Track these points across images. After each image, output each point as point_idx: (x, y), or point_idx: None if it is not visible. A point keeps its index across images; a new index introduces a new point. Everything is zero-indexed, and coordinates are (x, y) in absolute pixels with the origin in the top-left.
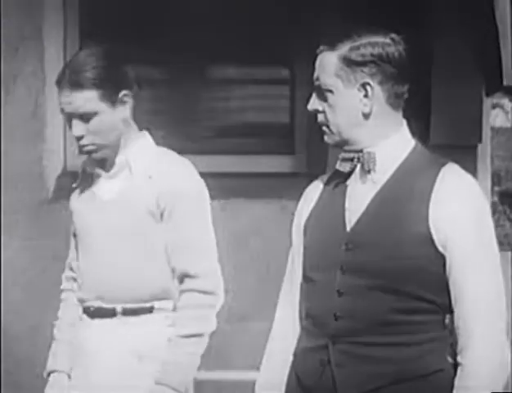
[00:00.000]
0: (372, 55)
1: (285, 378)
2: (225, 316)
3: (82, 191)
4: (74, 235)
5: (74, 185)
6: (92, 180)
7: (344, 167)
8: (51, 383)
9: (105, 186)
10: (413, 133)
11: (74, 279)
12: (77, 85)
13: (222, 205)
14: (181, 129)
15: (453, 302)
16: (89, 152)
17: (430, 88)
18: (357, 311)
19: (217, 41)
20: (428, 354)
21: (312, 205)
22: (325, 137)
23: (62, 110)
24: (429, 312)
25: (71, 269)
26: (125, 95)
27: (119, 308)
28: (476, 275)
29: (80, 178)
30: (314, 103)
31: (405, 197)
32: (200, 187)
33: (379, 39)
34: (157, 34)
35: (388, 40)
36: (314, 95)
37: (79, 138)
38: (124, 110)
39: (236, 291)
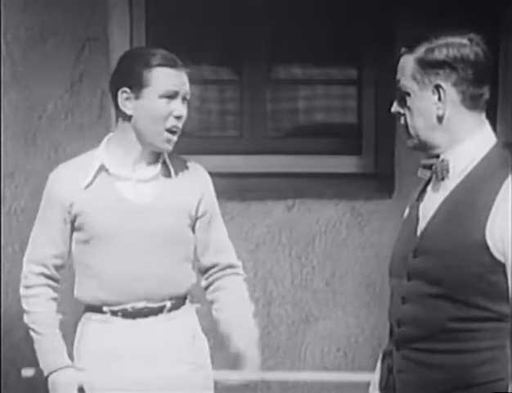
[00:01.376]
0: (446, 57)
1: None
2: (291, 317)
3: (99, 193)
4: (84, 236)
5: (85, 184)
6: (112, 181)
7: (424, 174)
8: (63, 380)
9: (137, 189)
10: None
11: (50, 277)
12: (186, 67)
13: (289, 206)
14: (248, 130)
15: None
16: (171, 143)
17: (497, 85)
18: (418, 318)
19: (284, 41)
20: (488, 362)
21: (408, 211)
22: (408, 141)
23: (168, 90)
24: (490, 320)
25: (45, 266)
26: None
27: (168, 304)
28: None
29: (94, 176)
30: (396, 106)
31: (469, 204)
32: None
33: (456, 40)
34: (223, 35)
35: (465, 41)
36: (396, 98)
37: (179, 120)
38: None
39: (303, 291)
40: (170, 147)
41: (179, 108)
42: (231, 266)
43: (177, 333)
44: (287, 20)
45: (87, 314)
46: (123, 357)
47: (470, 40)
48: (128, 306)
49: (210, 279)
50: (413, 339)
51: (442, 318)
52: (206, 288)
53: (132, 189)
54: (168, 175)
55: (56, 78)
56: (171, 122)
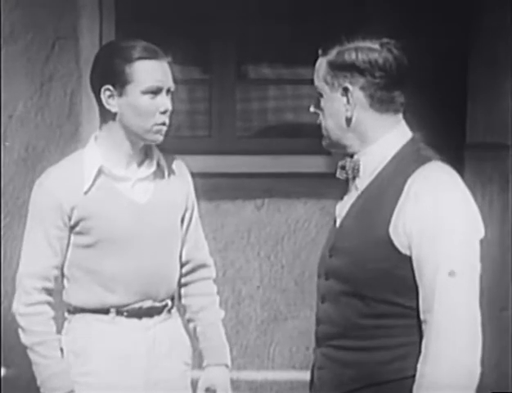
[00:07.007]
0: (355, 60)
1: None
2: (260, 316)
3: (102, 196)
4: (89, 241)
5: (85, 189)
6: (112, 183)
7: (341, 174)
8: None
9: (136, 189)
10: (449, 132)
11: (50, 293)
12: (167, 57)
13: (258, 205)
14: (217, 130)
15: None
16: (162, 133)
17: (467, 87)
18: (333, 316)
19: (253, 41)
20: (400, 359)
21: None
22: (322, 141)
23: (152, 86)
24: (399, 316)
25: (47, 279)
26: None
27: (169, 303)
28: (436, 278)
29: (93, 179)
30: (312, 107)
31: (376, 201)
32: None
33: (366, 44)
34: (193, 34)
35: (376, 46)
36: (314, 99)
37: (166, 114)
38: None
39: (272, 291)
40: (161, 138)
41: (164, 103)
42: (204, 265)
43: (177, 332)
44: (256, 20)
45: (87, 315)
46: (134, 357)
47: (381, 45)
48: (136, 306)
49: (183, 280)
50: (329, 336)
51: (354, 316)
52: (179, 286)
53: (132, 189)
54: (161, 172)
55: (26, 77)
56: (158, 118)
